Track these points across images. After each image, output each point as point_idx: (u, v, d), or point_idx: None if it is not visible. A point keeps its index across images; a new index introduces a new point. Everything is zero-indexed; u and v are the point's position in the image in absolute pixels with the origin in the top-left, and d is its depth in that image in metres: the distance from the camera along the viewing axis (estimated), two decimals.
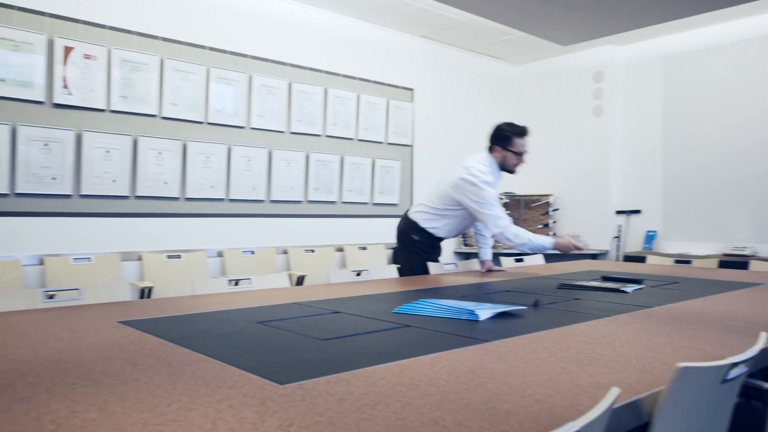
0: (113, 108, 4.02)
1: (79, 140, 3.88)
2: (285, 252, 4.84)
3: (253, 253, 4.62)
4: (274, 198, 4.79)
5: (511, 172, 3.12)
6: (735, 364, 1.07)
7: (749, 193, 5.21)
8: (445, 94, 6.09)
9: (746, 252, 4.98)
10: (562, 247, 2.91)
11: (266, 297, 2.11)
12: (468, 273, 3.15)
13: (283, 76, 4.83)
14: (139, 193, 4.12)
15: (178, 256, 4.25)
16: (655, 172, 5.86)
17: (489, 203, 2.92)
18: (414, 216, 3.20)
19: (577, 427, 0.68)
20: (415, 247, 3.20)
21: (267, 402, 0.90)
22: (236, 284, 2.40)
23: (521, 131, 3.03)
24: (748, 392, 1.47)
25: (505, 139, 3.02)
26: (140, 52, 4.11)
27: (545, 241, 2.91)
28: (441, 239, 3.24)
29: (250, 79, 4.64)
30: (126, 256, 4.07)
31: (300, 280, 4.37)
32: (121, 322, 1.57)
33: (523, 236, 2.90)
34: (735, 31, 5.32)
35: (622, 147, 6.12)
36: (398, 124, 5.61)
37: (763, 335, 1.25)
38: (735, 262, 4.13)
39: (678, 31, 5.63)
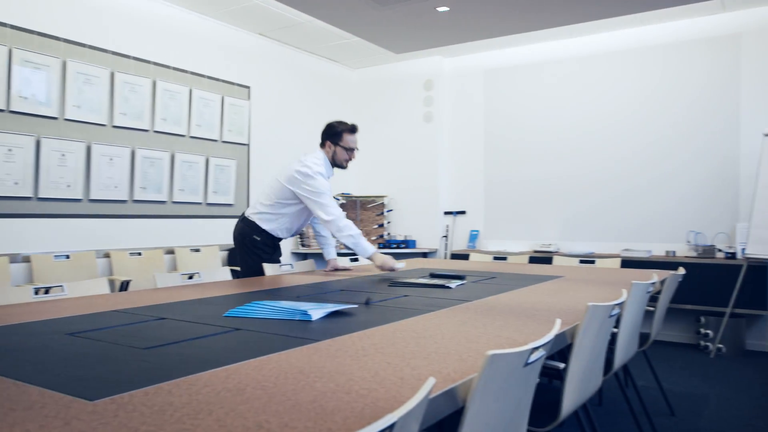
0: None
1: None
2: (107, 255, 4.44)
3: (68, 257, 4.17)
4: (93, 197, 4.37)
5: (342, 167, 3.25)
6: (535, 349, 1.20)
7: (555, 196, 5.90)
8: (282, 94, 6.03)
9: (551, 249, 5.62)
10: (379, 259, 3.03)
11: (81, 305, 1.92)
12: (304, 273, 3.15)
13: (103, 64, 4.42)
14: None
15: None
16: (477, 176, 6.37)
17: (322, 192, 3.03)
18: (253, 217, 3.17)
19: (395, 418, 0.71)
20: (256, 248, 3.14)
21: (72, 421, 0.82)
22: (46, 292, 2.15)
23: (351, 128, 3.19)
24: (548, 372, 1.66)
25: (336, 135, 3.16)
26: None
27: (368, 246, 3.03)
28: (281, 239, 3.23)
29: (65, 65, 4.18)
30: None
31: (124, 286, 4.04)
32: None
33: (352, 231, 3.00)
34: (546, 52, 5.98)
35: (449, 152, 6.57)
36: (234, 122, 5.44)
37: (558, 322, 1.42)
38: (542, 257, 4.64)
39: (497, 49, 6.19)
